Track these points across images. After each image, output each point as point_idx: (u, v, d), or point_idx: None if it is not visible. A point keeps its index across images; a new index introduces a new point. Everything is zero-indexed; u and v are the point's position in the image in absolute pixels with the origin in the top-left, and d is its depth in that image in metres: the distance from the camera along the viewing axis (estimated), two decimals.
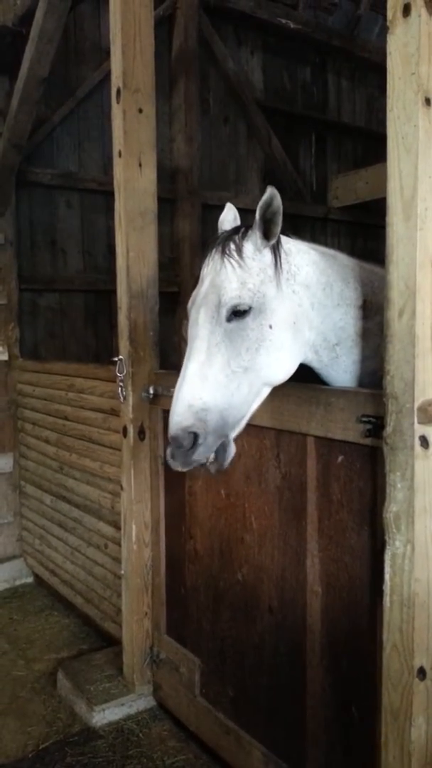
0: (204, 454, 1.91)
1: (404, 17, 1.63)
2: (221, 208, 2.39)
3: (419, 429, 1.68)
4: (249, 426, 2.37)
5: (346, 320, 2.18)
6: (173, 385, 2.83)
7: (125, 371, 3.05)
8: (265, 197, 1.94)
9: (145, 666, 3.16)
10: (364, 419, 1.90)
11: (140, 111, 2.98)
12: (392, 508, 1.74)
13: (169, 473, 3.01)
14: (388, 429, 1.74)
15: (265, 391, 2.05)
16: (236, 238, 2.02)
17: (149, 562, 3.16)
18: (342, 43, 6.42)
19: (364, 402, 1.92)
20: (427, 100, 1.62)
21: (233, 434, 1.99)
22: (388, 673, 1.79)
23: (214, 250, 2.04)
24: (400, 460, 1.72)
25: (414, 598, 1.71)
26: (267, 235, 2.00)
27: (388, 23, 1.67)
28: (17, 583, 4.77)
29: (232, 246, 2.00)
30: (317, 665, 2.19)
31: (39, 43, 3.77)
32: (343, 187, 6.49)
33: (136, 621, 3.15)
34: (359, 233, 6.93)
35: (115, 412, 3.35)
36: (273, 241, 2.02)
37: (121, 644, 3.29)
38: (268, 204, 1.95)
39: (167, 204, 5.36)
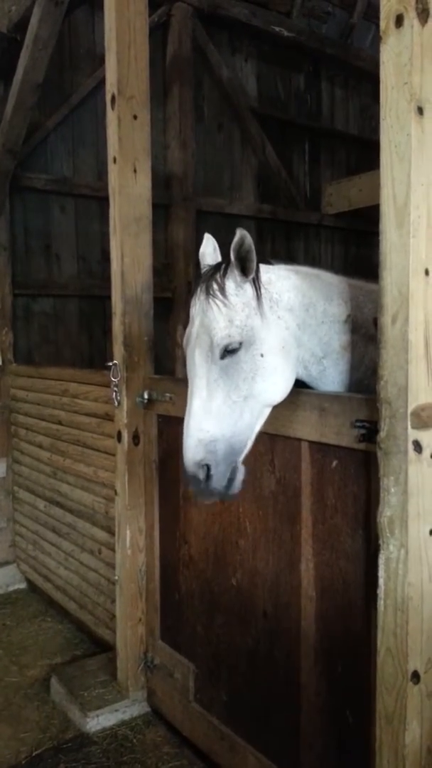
0: (220, 482, 2.02)
1: (397, 27, 1.65)
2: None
3: (412, 434, 1.69)
4: None
5: (330, 335, 2.28)
6: (168, 391, 2.87)
7: (119, 376, 3.06)
8: (236, 239, 2.04)
9: (139, 671, 3.16)
10: (358, 424, 1.91)
11: (135, 117, 3.00)
12: (386, 513, 1.76)
13: (164, 478, 3.01)
14: (382, 434, 1.75)
15: (266, 412, 2.15)
16: (218, 276, 2.12)
17: (143, 567, 3.15)
18: (335, 52, 6.47)
19: (357, 407, 1.93)
20: (420, 110, 1.64)
21: (241, 458, 2.09)
22: (382, 677, 1.79)
23: (199, 290, 2.15)
24: (393, 464, 1.73)
25: (408, 602, 1.72)
26: (244, 271, 2.10)
27: (381, 33, 1.69)
28: (10, 589, 4.75)
29: (215, 286, 2.10)
30: (311, 670, 2.19)
31: (33, 49, 3.79)
32: (336, 194, 6.53)
33: (130, 626, 3.15)
34: (352, 240, 6.97)
35: (109, 417, 3.35)
36: (251, 276, 2.11)
37: (115, 650, 3.29)
38: (240, 244, 2.05)
39: (162, 210, 5.38)
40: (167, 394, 2.88)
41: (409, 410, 1.68)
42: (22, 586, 4.80)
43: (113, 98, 2.98)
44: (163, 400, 2.93)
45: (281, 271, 2.29)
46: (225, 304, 2.07)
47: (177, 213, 5.57)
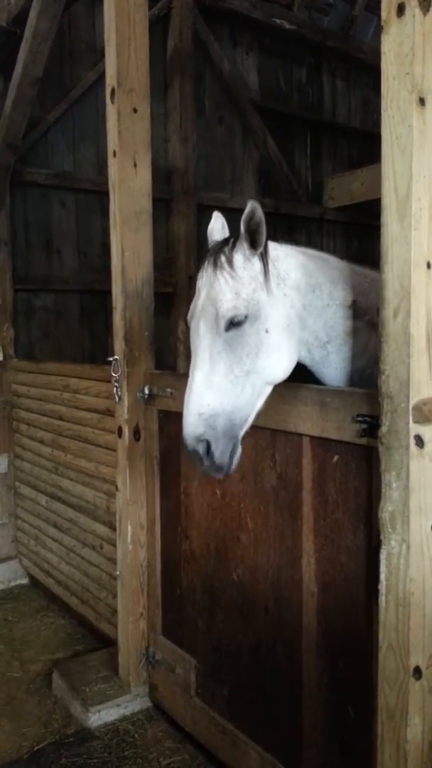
0: (221, 457, 2.00)
1: (398, 17, 1.63)
2: (217, 208, 2.44)
3: (414, 428, 1.68)
4: None
5: (335, 320, 2.28)
6: (169, 386, 2.86)
7: (120, 371, 3.05)
8: (247, 210, 2.05)
9: (141, 667, 3.16)
10: (360, 419, 1.90)
11: (135, 111, 2.98)
12: (388, 508, 1.74)
13: (165, 474, 3.00)
14: (384, 428, 1.74)
15: (268, 390, 2.13)
16: (226, 249, 2.12)
17: (145, 562, 3.15)
18: (337, 44, 6.44)
19: (359, 402, 1.92)
20: (422, 100, 1.62)
21: (241, 434, 2.07)
22: (384, 673, 1.79)
23: (206, 263, 2.14)
24: (395, 459, 1.72)
25: (409, 597, 1.71)
26: (253, 245, 2.09)
27: (382, 23, 1.67)
28: (12, 584, 4.76)
29: (223, 258, 2.09)
30: (313, 665, 2.19)
31: (33, 42, 3.76)
32: (338, 188, 6.50)
33: (132, 622, 3.15)
34: (354, 234, 6.94)
35: (110, 413, 3.34)
36: (260, 250, 2.10)
37: (116, 645, 3.29)
38: (251, 216, 2.05)
39: (162, 204, 5.36)
40: (168, 390, 2.87)
41: (411, 405, 1.67)
42: (24, 581, 4.81)
43: (113, 91, 2.96)
44: (164, 395, 2.92)
45: (289, 249, 2.29)
46: (232, 277, 2.06)
47: (178, 207, 5.55)
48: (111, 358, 3.09)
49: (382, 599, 1.78)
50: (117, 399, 3.09)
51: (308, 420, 2.11)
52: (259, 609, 2.42)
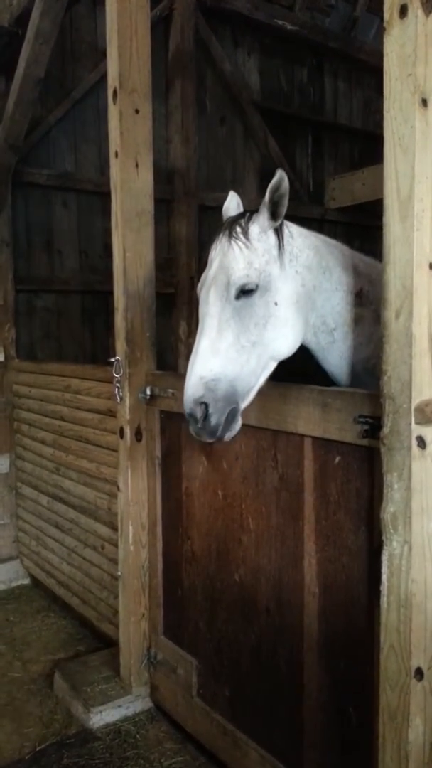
0: (217, 419, 2.01)
1: (401, 18, 1.63)
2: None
3: (416, 429, 1.68)
4: (246, 426, 2.37)
5: (343, 305, 2.31)
6: (170, 386, 2.86)
7: (122, 372, 3.05)
8: (275, 180, 2.09)
9: (142, 667, 3.16)
10: (361, 420, 1.90)
11: (137, 111, 2.98)
12: (389, 509, 1.74)
13: (166, 474, 3.00)
14: (385, 429, 1.74)
15: (272, 365, 2.17)
16: (242, 221, 2.16)
17: (146, 563, 3.15)
18: (338, 45, 6.43)
19: (361, 403, 1.92)
20: (424, 101, 1.62)
21: (243, 404, 2.09)
22: (386, 674, 1.79)
23: (221, 234, 2.17)
24: (397, 460, 1.72)
25: (411, 598, 1.71)
26: (274, 216, 2.14)
27: (384, 24, 1.67)
28: (14, 584, 4.76)
29: (239, 229, 2.13)
30: (314, 666, 2.19)
31: (35, 43, 3.76)
32: (339, 189, 6.50)
33: (133, 622, 3.15)
34: (356, 234, 6.92)
35: (111, 413, 3.34)
36: (278, 223, 2.15)
37: (117, 645, 3.29)
38: (277, 187, 2.10)
39: (164, 205, 5.36)
40: (170, 390, 2.87)
41: (413, 406, 1.67)
42: (26, 581, 4.81)
43: (115, 92, 2.96)
44: (165, 395, 2.92)
45: (303, 229, 2.33)
46: (246, 246, 2.10)
47: (179, 208, 5.55)
48: (112, 359, 3.09)
49: (383, 600, 1.78)
50: (118, 399, 3.09)
51: (310, 421, 2.11)
52: (260, 610, 2.42)
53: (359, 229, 6.88)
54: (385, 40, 1.67)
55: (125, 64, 2.93)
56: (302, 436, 2.17)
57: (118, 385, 3.07)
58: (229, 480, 2.53)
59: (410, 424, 1.68)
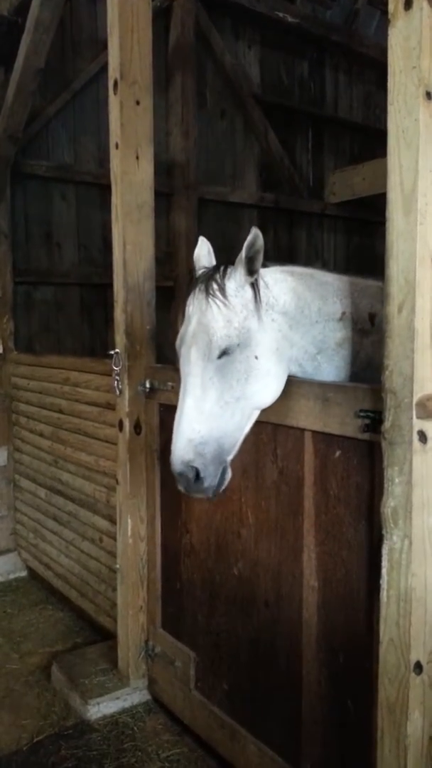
0: (210, 482, 2.07)
1: (406, 10, 1.62)
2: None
3: (417, 424, 1.68)
4: None
5: (325, 333, 2.30)
6: (170, 380, 2.85)
7: (121, 365, 3.04)
8: (250, 237, 2.08)
9: (140, 660, 3.16)
10: (362, 414, 1.90)
11: (137, 103, 2.96)
12: (390, 503, 1.74)
13: (165, 467, 3.00)
14: (387, 424, 1.74)
15: (255, 414, 2.19)
16: (218, 277, 2.15)
17: (145, 556, 3.15)
18: (340, 38, 6.40)
19: (362, 397, 1.92)
20: (428, 94, 1.61)
21: (230, 458, 2.14)
22: (385, 668, 1.79)
23: (197, 290, 2.16)
24: (398, 454, 1.72)
25: (411, 593, 1.71)
26: (250, 271, 2.13)
27: (389, 16, 1.66)
28: (11, 576, 4.76)
29: (215, 286, 2.12)
30: (313, 659, 2.19)
31: (35, 33, 3.75)
32: (340, 183, 6.48)
33: (131, 615, 3.15)
34: (355, 229, 6.93)
35: (110, 406, 3.34)
36: (254, 278, 2.14)
37: (115, 638, 3.29)
38: (252, 243, 2.09)
39: (163, 198, 5.34)
40: (169, 383, 2.86)
41: (415, 400, 1.67)
42: (23, 574, 4.81)
43: (116, 83, 2.94)
44: (164, 389, 2.91)
45: (277, 273, 2.30)
46: (225, 305, 2.09)
47: (179, 201, 5.53)
48: (112, 352, 3.08)
49: (383, 594, 1.78)
50: (118, 392, 3.08)
51: (310, 415, 2.11)
52: (259, 603, 2.42)
53: (359, 223, 6.88)
54: (389, 32, 1.66)
55: (126, 55, 2.91)
56: (302, 430, 2.17)
57: (117, 378, 3.06)
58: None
59: (411, 418, 1.68)
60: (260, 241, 2.08)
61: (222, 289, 2.11)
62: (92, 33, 5.08)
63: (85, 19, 5.07)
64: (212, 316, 2.09)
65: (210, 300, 2.10)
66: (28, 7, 3.75)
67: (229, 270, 2.15)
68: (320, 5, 6.39)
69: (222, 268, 2.17)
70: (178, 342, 2.21)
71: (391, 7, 1.66)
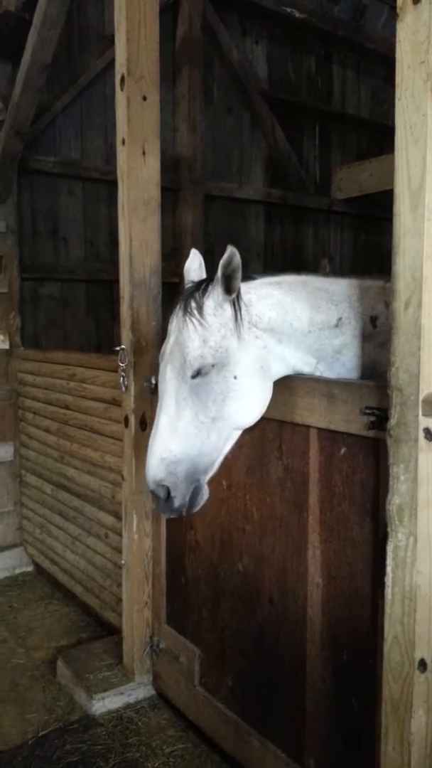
0: (181, 501, 2.08)
1: (414, 4, 1.61)
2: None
3: (423, 421, 1.67)
4: None
5: (321, 341, 2.23)
6: None
7: (127, 361, 3.05)
8: (226, 255, 2.02)
9: (145, 655, 3.17)
10: (368, 411, 1.89)
11: (144, 98, 2.96)
12: (395, 501, 1.74)
13: None
14: (392, 421, 1.74)
15: (236, 434, 2.17)
16: (197, 295, 2.10)
17: (150, 552, 3.16)
18: (347, 34, 6.37)
19: (367, 394, 1.91)
20: None
21: (206, 478, 2.13)
22: (389, 665, 1.79)
23: (178, 307, 2.13)
24: (403, 452, 1.71)
25: (416, 590, 1.71)
26: (228, 290, 2.07)
27: (397, 10, 1.65)
28: (17, 571, 4.78)
29: (194, 304, 2.08)
30: (317, 656, 2.20)
31: (42, 28, 3.73)
32: (347, 179, 6.46)
33: (137, 610, 3.16)
34: (362, 226, 6.90)
35: (116, 402, 3.34)
36: (233, 296, 2.08)
37: (120, 633, 3.30)
38: (229, 262, 2.02)
39: (170, 194, 5.34)
40: None
41: (421, 397, 1.66)
42: (29, 568, 4.83)
43: (122, 78, 2.94)
44: None
45: (263, 288, 2.21)
46: (201, 324, 2.06)
47: (185, 197, 5.52)
48: (118, 348, 3.09)
49: (388, 592, 1.78)
50: (123, 388, 3.09)
51: (316, 412, 2.10)
52: (263, 600, 2.42)
53: (365, 220, 6.85)
54: (397, 26, 1.65)
55: (133, 50, 2.91)
56: (308, 427, 2.16)
57: (123, 374, 3.07)
58: (234, 470, 2.53)
59: (417, 415, 1.67)
60: (237, 259, 2.01)
61: (200, 308, 2.07)
62: (99, 28, 5.08)
63: (92, 14, 5.06)
64: (188, 335, 2.05)
65: (187, 318, 2.07)
66: (35, 2, 3.74)
67: (210, 288, 2.10)
68: (328, 1, 6.36)
69: (204, 286, 2.12)
70: (159, 358, 2.19)
71: (399, 1, 1.65)
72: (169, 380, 2.08)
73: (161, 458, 2.02)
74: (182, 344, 2.06)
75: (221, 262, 2.03)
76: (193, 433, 2.04)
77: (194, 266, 2.34)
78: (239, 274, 2.05)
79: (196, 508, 2.14)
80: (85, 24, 5.04)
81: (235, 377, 2.06)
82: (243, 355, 2.08)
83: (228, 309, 2.08)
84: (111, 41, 3.19)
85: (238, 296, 2.10)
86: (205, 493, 2.13)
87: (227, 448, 2.15)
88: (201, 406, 2.04)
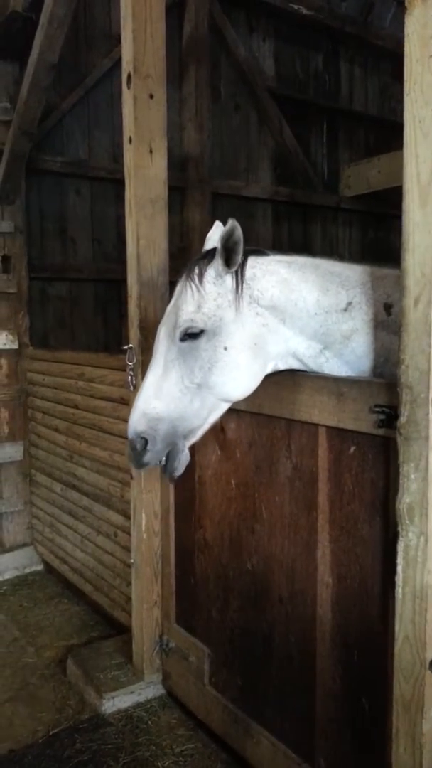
0: (153, 458, 2.15)
1: None
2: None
3: None
4: (259, 416, 2.36)
5: (327, 326, 2.19)
6: None
7: (135, 360, 3.04)
8: (226, 228, 2.06)
9: (155, 654, 3.17)
10: (377, 409, 1.88)
11: (151, 97, 2.95)
12: (405, 500, 1.73)
13: None
14: (402, 419, 1.72)
15: (224, 406, 2.20)
16: (202, 263, 2.15)
17: (159, 551, 3.16)
18: (355, 30, 6.33)
19: (377, 392, 1.90)
20: None
21: (186, 443, 2.18)
22: (400, 665, 1.77)
23: (185, 273, 2.19)
24: (414, 450, 1.70)
25: (427, 590, 1.69)
26: (228, 263, 2.11)
27: (406, 4, 1.63)
28: (27, 570, 4.80)
29: (196, 270, 2.14)
30: (327, 656, 2.18)
31: (49, 28, 3.73)
32: (355, 176, 6.43)
33: (146, 610, 3.16)
34: (371, 223, 6.87)
35: (125, 401, 3.34)
36: (233, 270, 2.12)
37: (130, 632, 3.30)
38: (230, 234, 2.06)
39: (177, 193, 5.33)
40: None
41: (431, 395, 1.64)
42: (39, 567, 4.84)
43: (129, 77, 2.93)
44: None
45: (271, 265, 2.20)
46: (198, 290, 2.11)
47: (193, 196, 5.51)
48: (126, 347, 3.08)
49: (398, 591, 1.77)
50: (132, 388, 3.08)
51: (324, 410, 2.09)
52: (273, 599, 2.41)
53: (374, 217, 6.82)
54: (406, 20, 1.63)
55: (140, 49, 2.90)
56: (317, 425, 2.15)
57: (131, 373, 3.06)
58: (242, 469, 2.52)
59: (428, 413, 1.65)
60: (238, 233, 2.04)
61: (201, 275, 2.12)
62: (106, 27, 5.08)
63: (99, 13, 5.06)
64: (184, 300, 2.12)
65: (188, 283, 2.13)
66: (42, 2, 3.74)
67: (215, 257, 2.15)
68: None
69: (211, 255, 2.17)
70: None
71: None
72: (161, 340, 2.16)
73: (144, 412, 2.10)
74: (178, 307, 2.13)
75: (221, 234, 2.07)
76: (176, 395, 2.10)
77: (215, 237, 2.38)
78: (240, 248, 2.08)
79: (178, 472, 2.20)
80: (91, 23, 5.04)
81: (225, 348, 2.09)
82: (238, 328, 2.11)
83: (228, 280, 2.13)
84: (117, 40, 3.18)
85: (242, 270, 2.13)
86: (184, 457, 2.19)
87: (212, 418, 2.19)
88: (186, 371, 2.10)
